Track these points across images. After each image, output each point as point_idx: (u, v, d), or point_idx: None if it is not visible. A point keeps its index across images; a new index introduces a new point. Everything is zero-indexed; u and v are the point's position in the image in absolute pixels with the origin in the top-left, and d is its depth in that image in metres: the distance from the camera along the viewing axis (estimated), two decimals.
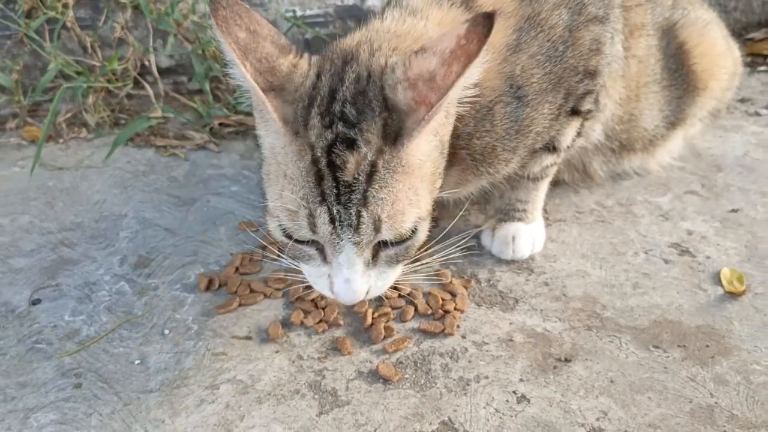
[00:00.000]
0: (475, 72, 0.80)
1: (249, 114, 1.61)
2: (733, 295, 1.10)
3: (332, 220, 0.81)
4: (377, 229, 0.81)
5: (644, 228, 1.26)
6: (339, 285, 0.85)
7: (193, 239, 1.25)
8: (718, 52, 1.30)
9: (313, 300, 1.10)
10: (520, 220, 1.20)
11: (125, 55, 1.65)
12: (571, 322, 1.07)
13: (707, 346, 1.02)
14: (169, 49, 1.65)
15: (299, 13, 1.75)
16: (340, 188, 0.79)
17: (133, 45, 1.63)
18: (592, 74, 1.06)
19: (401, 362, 1.00)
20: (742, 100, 1.67)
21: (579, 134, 1.15)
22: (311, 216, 0.81)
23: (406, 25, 0.93)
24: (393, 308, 1.09)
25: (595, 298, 1.11)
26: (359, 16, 1.78)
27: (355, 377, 0.97)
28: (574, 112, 1.08)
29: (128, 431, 0.89)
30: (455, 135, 0.95)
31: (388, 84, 0.81)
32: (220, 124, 1.60)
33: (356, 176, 0.79)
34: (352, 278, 0.84)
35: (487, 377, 0.97)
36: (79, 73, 1.59)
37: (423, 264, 1.05)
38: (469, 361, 1.00)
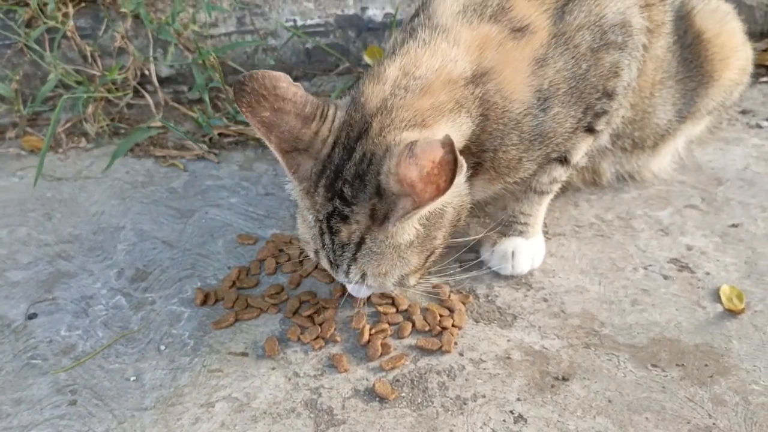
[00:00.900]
0: (451, 193, 0.85)
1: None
2: (732, 313, 1.09)
3: (330, 263, 0.95)
4: (364, 278, 0.94)
5: (644, 243, 1.25)
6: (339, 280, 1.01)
7: (190, 252, 1.25)
8: (735, 44, 1.31)
9: (310, 316, 1.09)
10: (521, 234, 1.20)
11: (125, 65, 1.65)
12: (569, 339, 1.06)
13: (706, 365, 1.01)
14: (170, 58, 1.65)
15: (300, 23, 1.74)
16: (335, 246, 0.92)
17: (133, 54, 1.63)
18: (609, 95, 1.08)
19: (398, 380, 0.99)
20: (744, 112, 1.66)
21: (586, 153, 1.16)
22: (317, 252, 0.97)
23: (437, 58, 0.95)
24: (390, 324, 1.09)
25: (594, 315, 1.10)
26: (359, 26, 1.78)
27: (351, 395, 0.97)
28: (589, 129, 1.10)
29: None
30: (480, 150, 0.99)
31: (383, 170, 0.86)
32: (220, 135, 1.60)
33: (348, 242, 0.91)
34: (353, 289, 1.01)
35: (484, 396, 0.97)
36: (79, 83, 1.59)
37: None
38: (467, 380, 1.00)
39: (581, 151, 1.13)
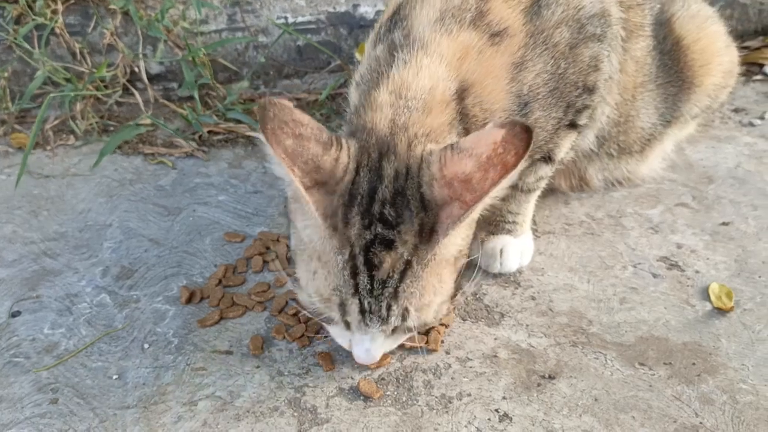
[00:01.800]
0: (513, 176, 0.80)
1: (239, 122, 1.60)
2: (721, 311, 1.08)
3: (362, 312, 0.85)
4: (404, 319, 0.86)
5: (633, 241, 1.24)
6: (359, 351, 0.90)
7: (177, 250, 1.24)
8: (717, 48, 1.29)
9: (295, 314, 1.08)
10: (509, 232, 1.19)
11: (115, 62, 1.64)
12: (556, 337, 1.05)
13: (693, 363, 1.00)
14: (159, 55, 1.64)
15: (291, 20, 1.73)
16: (374, 284, 0.83)
17: (122, 51, 1.62)
18: (590, 90, 1.06)
19: (383, 378, 0.98)
20: (736, 110, 1.65)
21: (571, 147, 1.15)
22: (343, 305, 0.85)
23: (423, 76, 0.91)
24: None
25: (582, 313, 1.10)
26: (351, 23, 1.77)
27: (335, 394, 0.96)
28: (572, 125, 1.09)
29: None
30: None
31: (425, 180, 0.82)
32: (210, 132, 1.59)
33: (390, 274, 0.83)
34: (373, 349, 0.90)
35: (469, 395, 0.96)
36: (67, 80, 1.58)
37: None
38: (452, 378, 0.99)
39: (565, 147, 1.11)
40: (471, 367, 1.01)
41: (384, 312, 0.84)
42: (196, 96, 1.58)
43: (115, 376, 1.00)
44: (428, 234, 0.82)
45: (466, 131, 0.92)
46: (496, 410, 0.94)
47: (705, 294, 1.12)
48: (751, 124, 1.59)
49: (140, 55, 1.64)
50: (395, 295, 0.84)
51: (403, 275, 0.83)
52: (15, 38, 1.57)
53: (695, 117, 1.38)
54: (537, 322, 1.08)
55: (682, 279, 1.16)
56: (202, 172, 1.47)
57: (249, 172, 1.47)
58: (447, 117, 0.90)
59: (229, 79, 1.73)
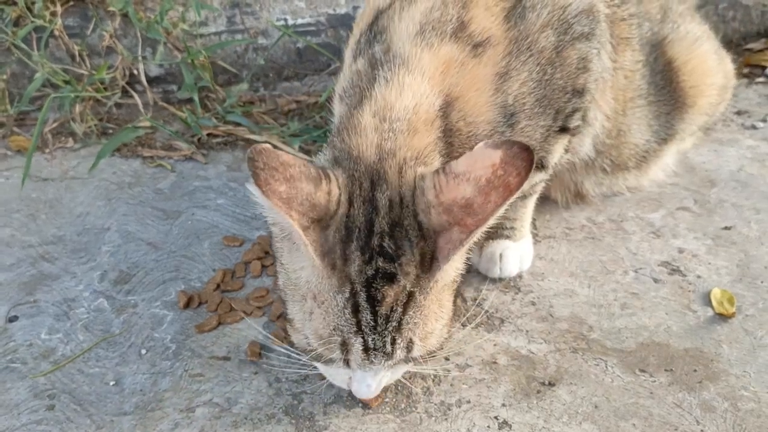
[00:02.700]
0: (517, 196, 0.79)
1: (238, 124, 1.59)
2: (723, 317, 1.08)
3: (366, 350, 0.81)
4: (409, 351, 0.83)
5: (635, 245, 1.24)
6: (359, 388, 0.86)
7: (176, 254, 1.24)
8: (708, 68, 1.28)
9: None
10: (508, 237, 1.18)
11: (114, 64, 1.63)
12: (556, 343, 1.04)
13: (695, 370, 0.99)
14: (159, 58, 1.64)
15: (291, 22, 1.73)
16: (377, 320, 0.80)
17: (122, 53, 1.62)
18: (580, 92, 1.04)
19: None
20: (739, 113, 1.64)
21: (566, 150, 1.13)
22: (345, 344, 0.81)
23: (406, 95, 0.88)
24: None
25: (582, 319, 1.09)
26: (351, 25, 1.76)
27: (333, 401, 0.95)
28: (563, 129, 1.06)
29: None
30: None
31: (421, 208, 0.80)
32: (209, 135, 1.58)
33: (393, 308, 0.80)
34: (375, 385, 0.86)
35: (468, 402, 0.95)
36: (66, 82, 1.58)
37: None
38: (452, 385, 0.98)
39: (557, 153, 1.09)
40: (470, 373, 1.00)
41: (389, 347, 0.81)
42: (196, 99, 1.58)
43: (112, 382, 0.99)
44: (429, 262, 0.80)
45: (450, 145, 0.90)
46: (496, 417, 0.93)
47: (707, 299, 1.11)
48: (754, 127, 1.58)
49: (139, 58, 1.64)
50: (399, 328, 0.81)
51: (406, 307, 0.80)
52: (14, 40, 1.57)
53: (693, 134, 1.37)
54: (537, 328, 1.07)
55: (684, 284, 1.15)
56: (201, 175, 1.47)
57: (248, 175, 1.45)
58: (433, 136, 0.88)
59: (228, 82, 1.72)
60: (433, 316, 0.84)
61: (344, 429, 0.91)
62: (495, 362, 1.01)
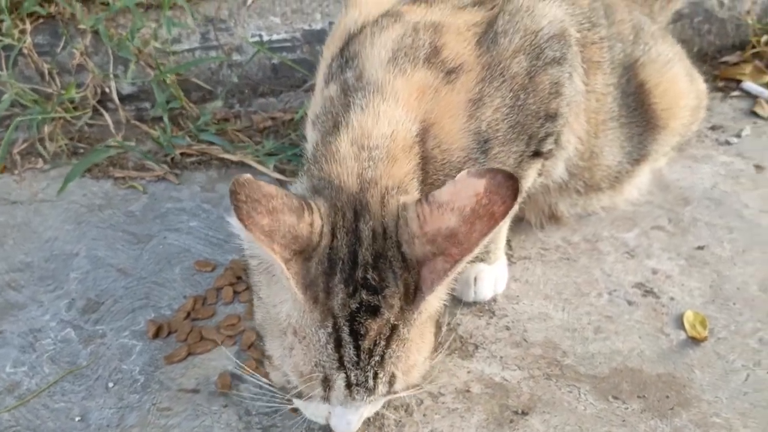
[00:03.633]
0: (503, 225, 0.78)
1: (212, 143, 1.57)
2: (695, 341, 1.08)
3: (349, 385, 0.79)
4: (391, 385, 0.81)
5: (609, 266, 1.23)
6: (339, 424, 0.84)
7: (146, 280, 1.22)
8: (679, 91, 1.28)
9: None
10: (482, 260, 1.17)
11: (85, 82, 1.61)
12: (530, 370, 1.04)
13: (667, 396, 0.99)
14: (130, 76, 1.61)
15: (266, 38, 1.71)
16: (360, 355, 0.78)
17: (92, 71, 1.59)
18: (553, 117, 1.04)
19: None
20: (713, 128, 1.65)
21: (540, 174, 1.13)
22: (326, 380, 0.80)
23: (383, 123, 0.87)
24: None
25: (556, 344, 1.08)
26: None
27: None
28: (536, 153, 1.06)
29: None
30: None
31: (404, 239, 0.79)
32: (182, 154, 1.56)
33: (377, 342, 0.78)
34: (354, 420, 0.84)
35: None
36: (35, 102, 1.55)
37: None
38: (424, 415, 0.97)
39: (531, 177, 1.09)
40: (443, 402, 0.99)
41: (371, 382, 0.79)
42: (166, 119, 1.56)
43: (77, 418, 0.97)
44: (413, 294, 0.79)
45: (425, 173, 0.89)
46: None
47: (679, 322, 1.11)
48: (728, 143, 1.59)
49: (111, 76, 1.61)
50: (381, 362, 0.79)
51: (389, 341, 0.79)
52: None
53: (666, 154, 1.37)
54: (511, 354, 1.07)
55: (657, 306, 1.15)
56: (174, 196, 1.44)
57: (222, 195, 1.44)
58: (413, 163, 0.87)
59: (203, 99, 1.70)
60: (415, 348, 0.82)
61: None
62: (468, 390, 1.01)
